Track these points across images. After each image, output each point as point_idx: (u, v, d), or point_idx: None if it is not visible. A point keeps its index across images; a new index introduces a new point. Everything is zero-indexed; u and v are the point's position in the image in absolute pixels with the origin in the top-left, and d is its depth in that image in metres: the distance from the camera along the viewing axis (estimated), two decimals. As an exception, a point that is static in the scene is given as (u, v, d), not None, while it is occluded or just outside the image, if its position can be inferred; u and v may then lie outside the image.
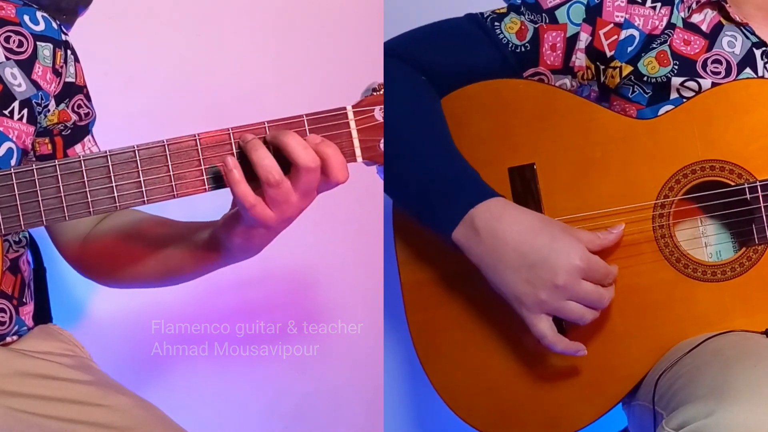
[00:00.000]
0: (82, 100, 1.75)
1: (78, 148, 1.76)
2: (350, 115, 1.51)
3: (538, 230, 1.70)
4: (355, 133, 1.51)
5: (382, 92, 1.52)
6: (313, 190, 1.48)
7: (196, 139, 1.48)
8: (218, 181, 1.49)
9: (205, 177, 1.49)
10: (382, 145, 1.52)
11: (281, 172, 1.45)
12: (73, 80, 1.74)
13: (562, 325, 1.77)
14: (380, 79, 1.69)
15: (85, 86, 1.77)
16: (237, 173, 1.45)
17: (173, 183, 1.48)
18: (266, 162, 1.45)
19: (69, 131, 1.75)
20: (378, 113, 1.51)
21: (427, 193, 1.74)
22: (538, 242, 1.68)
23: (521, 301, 1.70)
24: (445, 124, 1.80)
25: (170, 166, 1.48)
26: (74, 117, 1.74)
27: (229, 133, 1.48)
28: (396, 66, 1.83)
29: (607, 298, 1.70)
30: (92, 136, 1.79)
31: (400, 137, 1.72)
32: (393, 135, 1.66)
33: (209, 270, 1.64)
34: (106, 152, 1.47)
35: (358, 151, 1.51)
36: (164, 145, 1.48)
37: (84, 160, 1.47)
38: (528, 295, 1.69)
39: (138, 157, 1.47)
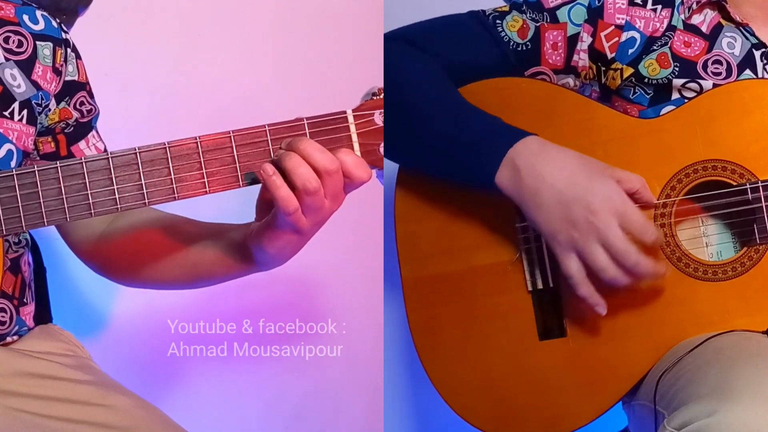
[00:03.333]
0: (84, 97, 1.75)
1: (82, 144, 1.76)
2: (350, 119, 1.51)
3: (576, 168, 1.69)
4: (355, 137, 1.51)
5: (382, 96, 1.52)
6: (340, 192, 1.49)
7: (197, 142, 1.48)
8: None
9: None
10: (381, 149, 1.52)
11: (318, 179, 1.46)
12: (75, 78, 1.74)
13: (563, 324, 1.78)
14: (381, 82, 1.69)
15: (88, 83, 1.77)
16: (277, 179, 1.46)
17: (174, 185, 1.48)
18: (302, 170, 1.46)
19: (71, 129, 1.74)
20: (378, 117, 1.51)
21: (461, 146, 1.74)
22: (574, 180, 1.68)
23: (555, 238, 1.70)
24: (453, 85, 1.81)
25: (171, 169, 1.48)
26: (76, 114, 1.74)
27: (230, 136, 1.48)
28: (396, 45, 1.83)
29: (634, 257, 1.66)
30: (96, 131, 1.79)
31: (415, 101, 1.75)
32: (407, 102, 1.71)
33: (239, 276, 1.65)
34: (107, 154, 1.47)
35: (358, 155, 1.51)
36: (165, 148, 1.48)
37: (85, 162, 1.47)
38: (561, 232, 1.68)
39: (139, 160, 1.47)
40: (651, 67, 1.80)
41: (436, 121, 1.75)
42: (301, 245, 1.56)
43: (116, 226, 1.72)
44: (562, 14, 1.82)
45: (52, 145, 1.73)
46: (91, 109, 1.76)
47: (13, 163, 1.64)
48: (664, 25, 1.80)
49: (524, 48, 1.83)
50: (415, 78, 1.79)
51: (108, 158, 1.47)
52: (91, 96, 1.77)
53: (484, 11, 1.87)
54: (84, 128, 1.76)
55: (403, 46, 1.83)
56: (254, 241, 1.56)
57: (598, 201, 1.66)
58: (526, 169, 1.69)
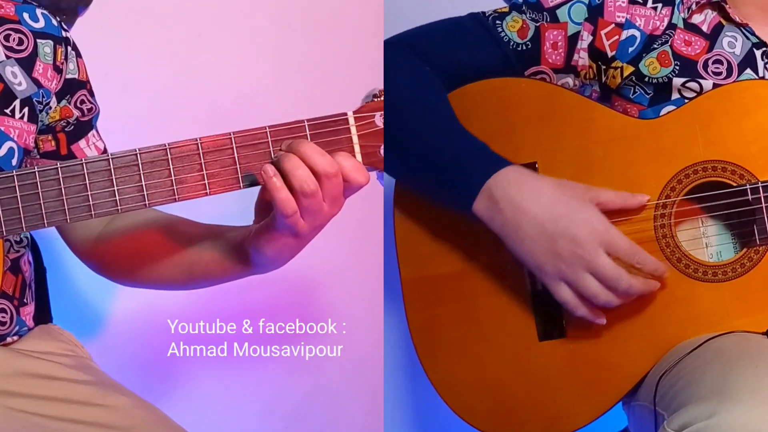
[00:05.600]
0: (85, 95, 1.75)
1: (82, 143, 1.75)
2: (351, 120, 1.51)
3: (555, 200, 1.69)
4: (355, 139, 1.51)
5: (382, 98, 1.52)
6: (339, 196, 1.49)
7: (197, 143, 1.48)
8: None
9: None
10: (382, 151, 1.52)
11: (316, 182, 1.46)
12: (75, 76, 1.73)
13: (563, 324, 1.78)
14: (380, 83, 1.69)
15: (88, 81, 1.77)
16: (277, 181, 1.46)
17: (174, 187, 1.48)
18: (300, 172, 1.46)
19: (72, 127, 1.74)
20: (378, 119, 1.51)
21: (442, 170, 1.74)
22: (555, 213, 1.68)
23: (542, 270, 1.70)
24: (448, 103, 1.80)
25: (172, 170, 1.48)
26: (77, 113, 1.74)
27: (231, 138, 1.48)
28: (397, 54, 1.83)
29: (626, 282, 1.68)
30: (96, 131, 1.79)
31: (407, 118, 1.74)
32: (400, 116, 1.68)
33: (236, 278, 1.65)
34: (108, 155, 1.47)
35: (358, 157, 1.51)
36: (166, 149, 1.48)
37: (86, 163, 1.47)
38: (548, 264, 1.69)
39: (140, 161, 1.47)
40: (651, 66, 1.80)
41: (423, 140, 1.76)
42: (299, 249, 1.55)
43: (114, 226, 1.72)
44: (562, 13, 1.82)
45: (53, 143, 1.73)
46: (92, 107, 1.76)
47: (14, 161, 1.64)
48: (665, 24, 1.80)
49: (524, 48, 1.83)
50: (410, 93, 1.78)
51: (108, 159, 1.47)
52: (92, 94, 1.77)
53: (484, 13, 1.87)
54: (84, 127, 1.76)
55: (403, 57, 1.82)
56: (252, 244, 1.56)
57: (582, 232, 1.67)
58: (505, 201, 1.70)
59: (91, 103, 1.76)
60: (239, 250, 1.59)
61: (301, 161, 1.46)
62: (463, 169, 1.73)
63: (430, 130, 1.76)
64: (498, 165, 1.72)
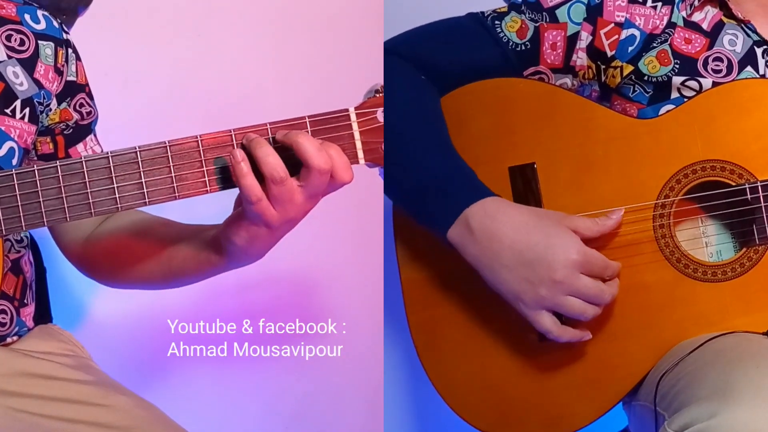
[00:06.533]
0: (84, 98, 1.75)
1: (80, 147, 1.75)
2: (353, 117, 1.50)
3: (532, 227, 1.69)
4: (357, 135, 1.50)
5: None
6: (320, 193, 1.48)
7: (198, 141, 1.47)
8: (225, 181, 1.49)
9: (212, 171, 1.48)
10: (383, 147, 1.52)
11: (285, 169, 1.45)
12: (75, 79, 1.74)
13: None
14: (381, 80, 1.68)
15: (87, 85, 1.77)
16: (245, 166, 1.45)
17: (175, 184, 1.47)
18: (270, 159, 1.44)
19: (71, 130, 1.74)
20: (380, 115, 1.51)
21: (423, 192, 1.74)
22: (533, 240, 1.68)
23: (520, 299, 1.70)
24: (443, 123, 1.80)
25: (172, 168, 1.47)
26: (76, 116, 1.74)
27: (231, 135, 1.48)
28: (396, 64, 1.83)
29: (608, 293, 1.69)
30: (95, 135, 1.79)
31: (398, 136, 1.72)
32: (391, 134, 1.65)
33: (211, 273, 1.63)
34: (107, 153, 1.47)
35: (360, 153, 1.50)
36: (166, 146, 1.47)
37: (86, 161, 1.46)
38: (527, 292, 1.69)
39: (140, 158, 1.47)
40: (651, 65, 1.80)
41: (410, 159, 1.75)
42: (273, 241, 1.54)
43: (102, 229, 1.73)
44: (561, 13, 1.82)
45: (51, 145, 1.73)
46: (91, 111, 1.76)
47: (14, 161, 1.64)
48: (664, 22, 1.80)
49: (523, 48, 1.83)
50: (403, 108, 1.77)
51: (108, 157, 1.46)
52: (91, 98, 1.77)
53: (483, 13, 1.87)
54: (83, 131, 1.76)
55: (397, 67, 1.82)
56: (224, 233, 1.54)
57: (558, 258, 1.67)
58: (481, 232, 1.70)
59: (90, 106, 1.76)
60: (214, 244, 1.58)
61: (272, 148, 1.45)
62: (444, 193, 1.73)
63: (418, 152, 1.76)
64: (479, 195, 1.72)
